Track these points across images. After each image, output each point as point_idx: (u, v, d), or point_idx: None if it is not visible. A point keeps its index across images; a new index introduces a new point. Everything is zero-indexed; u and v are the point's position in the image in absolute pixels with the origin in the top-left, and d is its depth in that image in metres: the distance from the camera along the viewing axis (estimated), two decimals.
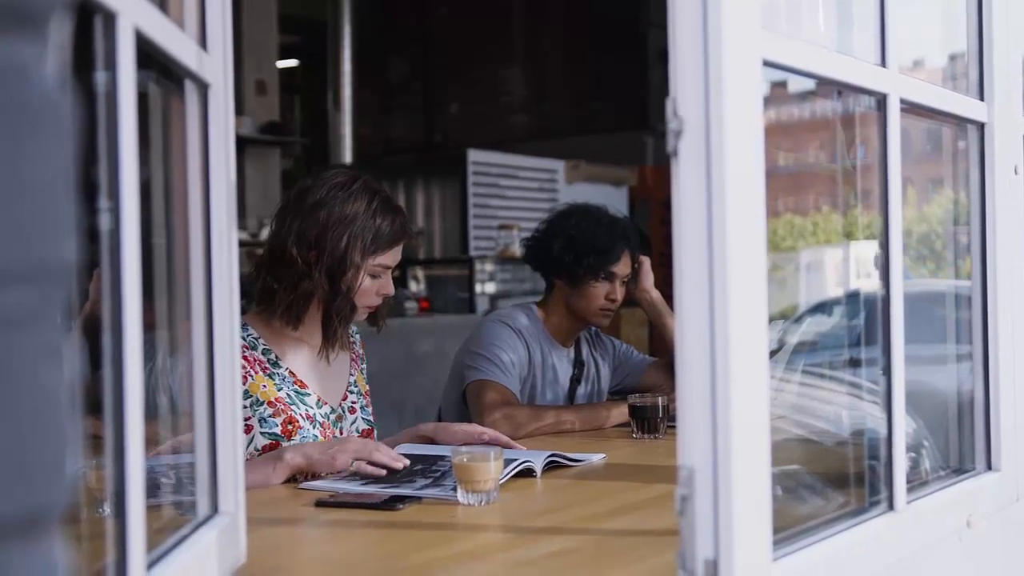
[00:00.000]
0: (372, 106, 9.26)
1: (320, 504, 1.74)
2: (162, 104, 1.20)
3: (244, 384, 2.04)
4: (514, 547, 1.53)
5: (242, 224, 6.72)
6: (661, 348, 2.79)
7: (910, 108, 1.49)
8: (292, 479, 1.93)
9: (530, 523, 1.66)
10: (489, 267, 7.10)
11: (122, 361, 0.89)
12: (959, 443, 1.79)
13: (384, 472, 1.89)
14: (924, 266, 2.08)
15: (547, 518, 1.69)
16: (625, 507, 1.76)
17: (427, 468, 1.93)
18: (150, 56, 1.02)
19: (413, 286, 7.06)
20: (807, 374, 1.87)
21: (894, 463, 1.41)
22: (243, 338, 2.08)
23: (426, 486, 1.82)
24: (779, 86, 1.37)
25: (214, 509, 1.25)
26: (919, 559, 1.51)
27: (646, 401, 2.46)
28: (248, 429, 2.03)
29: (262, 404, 2.07)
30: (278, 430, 2.06)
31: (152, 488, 1.01)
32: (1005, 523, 1.74)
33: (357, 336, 2.36)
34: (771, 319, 1.13)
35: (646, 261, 2.86)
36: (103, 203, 0.89)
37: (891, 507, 1.42)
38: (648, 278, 2.85)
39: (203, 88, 1.22)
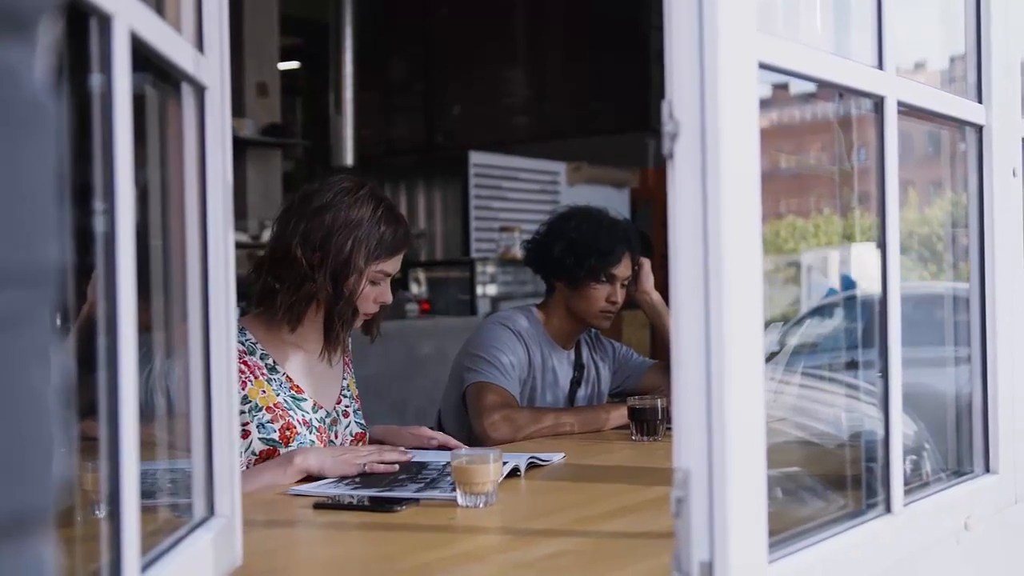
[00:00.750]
0: (373, 108, 9.25)
1: (318, 506, 1.74)
2: (159, 107, 1.20)
3: (243, 389, 2.05)
4: (512, 549, 1.53)
5: (243, 226, 6.71)
6: (662, 350, 2.79)
7: (908, 111, 1.49)
8: None
9: (528, 525, 1.66)
10: (490, 269, 7.10)
11: (117, 363, 0.89)
12: (957, 445, 1.79)
13: (396, 467, 1.96)
14: (926, 268, 2.07)
15: (545, 520, 1.69)
16: (623, 509, 1.76)
17: (414, 475, 1.93)
18: (146, 59, 1.02)
19: (414, 288, 7.05)
20: (807, 376, 1.86)
21: (891, 465, 1.41)
22: (241, 343, 2.09)
23: (420, 489, 1.82)
24: (781, 88, 1.36)
25: (210, 511, 1.25)
26: (916, 561, 1.51)
27: (645, 403, 2.46)
28: (246, 434, 2.04)
29: (260, 410, 2.07)
30: (276, 436, 2.06)
31: (147, 490, 1.01)
32: (1003, 526, 1.73)
33: (348, 340, 2.36)
34: (772, 321, 1.14)
35: (646, 263, 2.86)
36: (99, 205, 0.89)
37: (888, 509, 1.41)
38: (649, 280, 2.85)
39: (200, 91, 1.22)
